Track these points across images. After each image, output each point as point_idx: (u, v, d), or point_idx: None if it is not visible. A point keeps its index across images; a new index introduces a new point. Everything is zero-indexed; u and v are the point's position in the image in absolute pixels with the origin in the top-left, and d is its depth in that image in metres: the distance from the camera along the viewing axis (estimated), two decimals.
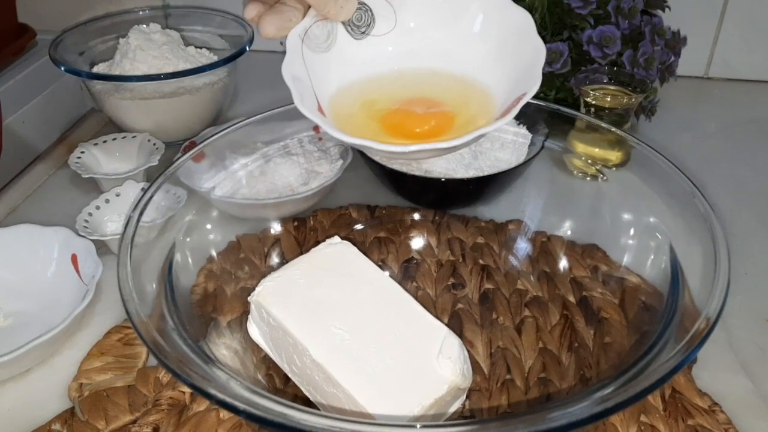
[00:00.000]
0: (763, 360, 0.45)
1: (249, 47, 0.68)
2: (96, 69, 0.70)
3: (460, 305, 0.48)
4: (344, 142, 0.33)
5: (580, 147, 0.51)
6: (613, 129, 0.46)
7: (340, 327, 0.37)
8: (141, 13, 0.76)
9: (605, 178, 0.49)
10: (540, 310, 0.46)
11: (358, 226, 0.54)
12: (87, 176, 0.58)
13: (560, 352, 0.43)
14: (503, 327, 0.46)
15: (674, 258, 0.39)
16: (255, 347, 0.40)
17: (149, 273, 0.37)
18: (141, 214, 0.38)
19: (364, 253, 0.41)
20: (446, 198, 0.56)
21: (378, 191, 0.57)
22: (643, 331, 0.39)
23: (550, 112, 0.49)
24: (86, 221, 0.52)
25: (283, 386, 0.40)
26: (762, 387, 0.43)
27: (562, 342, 0.44)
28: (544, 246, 0.50)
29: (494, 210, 0.55)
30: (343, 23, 0.37)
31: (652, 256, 0.42)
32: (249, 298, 0.39)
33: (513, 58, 0.36)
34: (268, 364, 0.41)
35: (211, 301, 0.43)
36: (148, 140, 0.64)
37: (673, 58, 0.68)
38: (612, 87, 0.62)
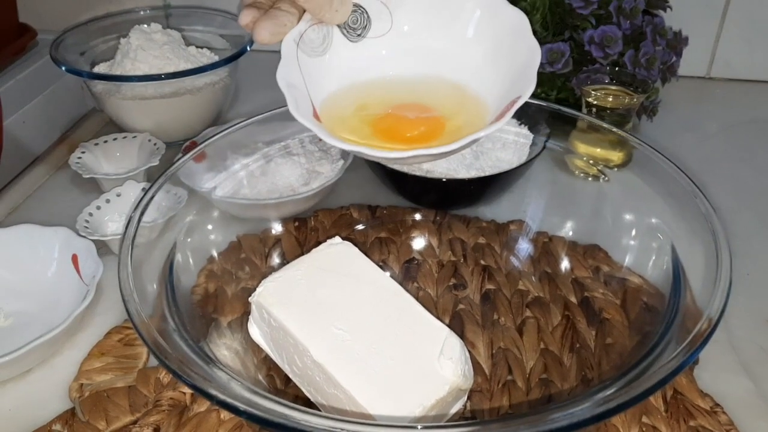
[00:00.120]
0: (765, 361, 0.45)
1: (250, 47, 0.68)
2: (97, 69, 0.70)
3: (461, 306, 0.47)
4: (338, 148, 0.33)
5: (582, 147, 0.50)
6: (615, 129, 0.46)
7: (341, 327, 0.36)
8: (142, 12, 0.76)
9: (607, 178, 0.49)
10: (541, 311, 0.46)
11: (359, 227, 0.54)
12: (88, 176, 0.58)
13: (562, 352, 0.43)
14: (504, 328, 0.45)
15: (676, 258, 0.39)
16: (256, 348, 0.40)
17: (150, 273, 0.37)
18: (142, 214, 0.38)
19: (365, 254, 0.41)
20: (447, 198, 0.56)
21: (379, 191, 0.57)
22: (645, 331, 0.39)
23: (552, 113, 0.49)
24: (87, 221, 0.52)
25: (283, 387, 0.40)
26: (763, 388, 0.43)
27: (564, 343, 0.44)
28: (546, 246, 0.50)
29: (495, 210, 0.55)
30: (339, 26, 0.37)
31: (653, 257, 0.42)
32: (250, 299, 0.39)
33: (508, 59, 0.36)
34: (268, 364, 0.41)
35: (212, 301, 0.43)
36: (149, 140, 0.64)
37: (674, 59, 0.68)
38: (613, 87, 0.62)
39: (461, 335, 0.43)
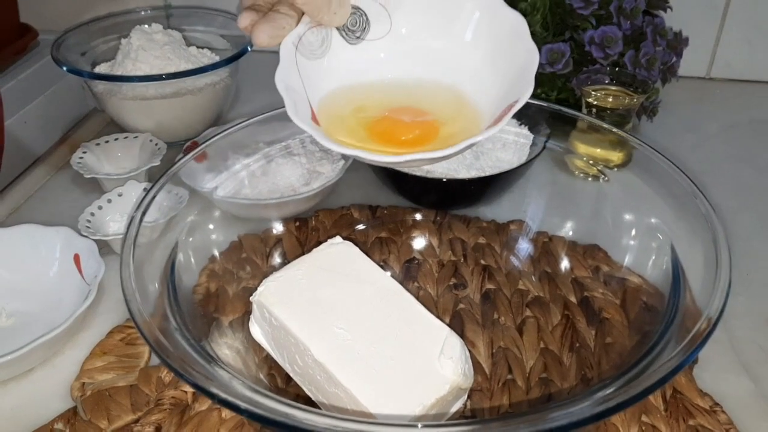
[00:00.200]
0: (765, 360, 0.45)
1: (251, 48, 0.68)
2: (98, 69, 0.70)
3: (461, 305, 0.48)
4: (336, 152, 0.33)
5: (582, 147, 0.51)
6: (615, 129, 0.46)
7: (342, 327, 0.37)
8: (143, 13, 0.76)
9: (607, 178, 0.49)
10: (541, 311, 0.46)
11: (360, 226, 0.54)
12: (89, 176, 0.59)
13: (561, 352, 0.43)
14: (504, 327, 0.46)
15: (675, 258, 0.39)
16: (257, 347, 0.40)
17: (152, 273, 0.37)
18: (144, 214, 0.38)
19: (366, 253, 0.41)
20: (448, 198, 0.56)
21: (379, 191, 0.57)
22: (645, 331, 0.39)
23: (552, 113, 0.49)
24: (88, 221, 0.53)
25: (284, 386, 0.41)
26: (763, 387, 0.43)
27: (564, 342, 0.44)
28: (546, 246, 0.50)
29: (496, 210, 0.55)
30: (338, 28, 0.37)
31: (653, 257, 0.42)
32: (251, 298, 0.39)
33: (506, 62, 0.36)
34: (269, 363, 0.41)
35: (214, 300, 0.43)
36: (150, 140, 0.64)
37: (674, 59, 0.68)
38: (613, 87, 0.62)
39: (461, 335, 0.44)
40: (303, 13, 0.35)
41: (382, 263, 0.51)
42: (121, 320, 0.48)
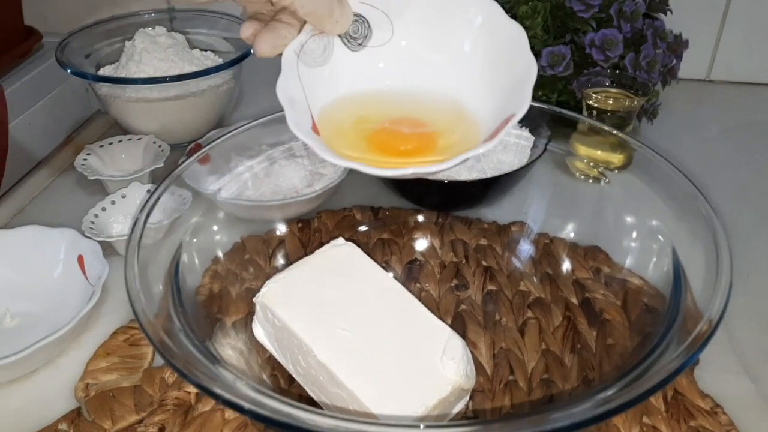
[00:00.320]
0: (766, 362, 0.45)
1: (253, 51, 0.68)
2: (102, 71, 0.70)
3: (463, 306, 0.48)
4: (336, 165, 0.34)
5: (583, 150, 0.51)
6: (615, 132, 0.47)
7: (345, 328, 0.37)
8: (146, 16, 0.76)
9: (607, 180, 0.49)
10: (543, 312, 0.47)
11: (362, 228, 0.54)
12: (93, 178, 0.59)
13: (563, 353, 0.44)
14: (506, 328, 0.46)
15: (676, 260, 0.39)
16: (260, 348, 0.41)
17: (156, 274, 0.37)
18: (148, 215, 0.38)
19: (368, 255, 0.41)
20: (449, 200, 0.56)
21: (381, 193, 0.57)
22: (646, 332, 0.39)
23: (553, 115, 0.49)
24: (92, 223, 0.53)
25: (287, 386, 0.41)
26: (764, 388, 0.43)
27: (565, 343, 0.44)
28: (547, 248, 0.50)
29: (497, 212, 0.55)
30: (340, 36, 0.37)
31: (654, 258, 0.42)
32: (254, 299, 0.39)
33: (504, 74, 0.36)
34: (272, 364, 0.41)
35: (217, 301, 0.43)
36: (154, 142, 0.64)
37: (674, 61, 0.68)
38: (614, 90, 0.63)
39: (463, 335, 0.44)
40: (305, 22, 0.35)
41: (384, 264, 0.51)
42: (124, 321, 0.48)
